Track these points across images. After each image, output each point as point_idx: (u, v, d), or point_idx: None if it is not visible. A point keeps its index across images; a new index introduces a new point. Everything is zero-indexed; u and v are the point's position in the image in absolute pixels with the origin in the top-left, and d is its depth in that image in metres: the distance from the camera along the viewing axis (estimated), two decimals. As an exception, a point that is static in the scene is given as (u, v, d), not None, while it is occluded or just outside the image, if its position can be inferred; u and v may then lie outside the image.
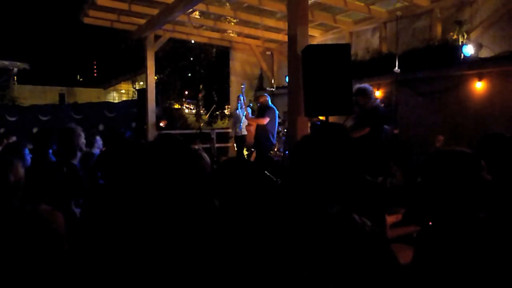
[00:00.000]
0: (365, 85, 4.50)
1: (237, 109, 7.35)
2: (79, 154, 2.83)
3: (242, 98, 7.08)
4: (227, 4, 7.27)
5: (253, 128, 6.34)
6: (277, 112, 6.20)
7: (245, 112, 6.90)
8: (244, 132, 7.00)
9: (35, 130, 7.89)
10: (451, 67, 5.53)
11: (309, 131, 4.13)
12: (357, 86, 4.39)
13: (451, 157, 1.35)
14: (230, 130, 8.68)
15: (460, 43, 5.45)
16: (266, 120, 6.01)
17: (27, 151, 2.74)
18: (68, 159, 2.68)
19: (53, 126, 7.27)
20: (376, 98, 4.69)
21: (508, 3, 5.24)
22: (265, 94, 6.63)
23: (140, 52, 10.28)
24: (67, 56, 31.51)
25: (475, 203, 1.27)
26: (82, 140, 2.83)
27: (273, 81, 8.95)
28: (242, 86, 7.21)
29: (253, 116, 6.66)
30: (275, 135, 6.28)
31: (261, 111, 6.22)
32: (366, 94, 4.37)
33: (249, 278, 1.23)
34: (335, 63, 3.42)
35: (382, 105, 4.75)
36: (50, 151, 2.84)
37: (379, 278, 1.19)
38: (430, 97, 5.97)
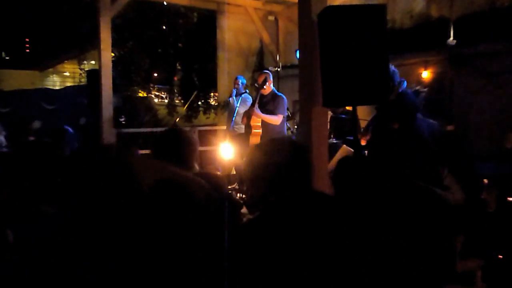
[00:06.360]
0: None
1: (230, 96, 7.27)
2: None
3: (240, 82, 7.10)
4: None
5: (258, 127, 6.10)
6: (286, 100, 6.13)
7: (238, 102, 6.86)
8: (239, 129, 6.91)
9: None
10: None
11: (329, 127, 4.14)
12: None
13: None
14: (224, 127, 8.49)
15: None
16: (280, 119, 5.91)
17: None
18: None
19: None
20: (403, 80, 4.66)
21: None
22: (267, 71, 6.50)
23: (91, 19, 10.29)
24: (-13, 27, 31.53)
25: None
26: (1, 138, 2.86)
27: (278, 58, 8.96)
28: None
29: (249, 107, 6.57)
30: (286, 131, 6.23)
31: (272, 103, 6.04)
32: None
33: None
34: (365, 32, 3.43)
35: (425, 89, 4.72)
36: None
37: None
38: (498, 79, 5.99)
